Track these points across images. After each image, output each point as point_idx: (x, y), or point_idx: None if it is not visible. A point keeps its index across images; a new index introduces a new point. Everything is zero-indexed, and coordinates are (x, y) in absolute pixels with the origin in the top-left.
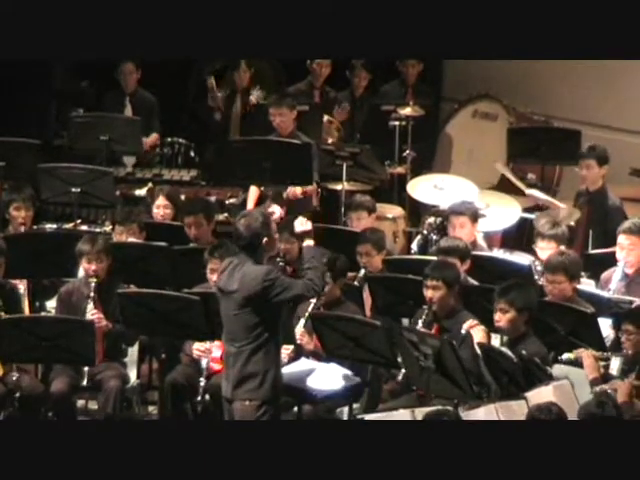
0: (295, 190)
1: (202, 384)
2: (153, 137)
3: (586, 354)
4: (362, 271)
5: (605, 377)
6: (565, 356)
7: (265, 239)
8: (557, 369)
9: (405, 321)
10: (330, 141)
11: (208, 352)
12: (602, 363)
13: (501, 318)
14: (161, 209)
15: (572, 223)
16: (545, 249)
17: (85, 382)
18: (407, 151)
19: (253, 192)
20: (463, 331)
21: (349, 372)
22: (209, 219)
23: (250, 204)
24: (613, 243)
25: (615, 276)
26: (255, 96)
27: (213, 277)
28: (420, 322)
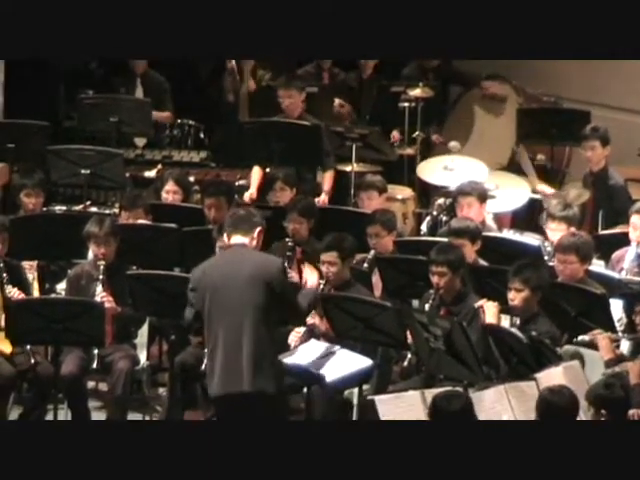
0: (324, 200)
1: None
2: (165, 114)
3: (601, 336)
4: (372, 252)
5: (620, 358)
6: (580, 338)
7: (259, 229)
8: (568, 349)
9: (415, 302)
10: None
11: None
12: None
13: (515, 297)
14: (170, 194)
15: (581, 204)
16: (556, 230)
17: (95, 365)
18: (417, 132)
19: (256, 172)
20: (476, 306)
21: (358, 355)
22: (229, 202)
23: (254, 184)
24: (618, 223)
25: (628, 256)
26: (261, 77)
27: None
28: (427, 306)
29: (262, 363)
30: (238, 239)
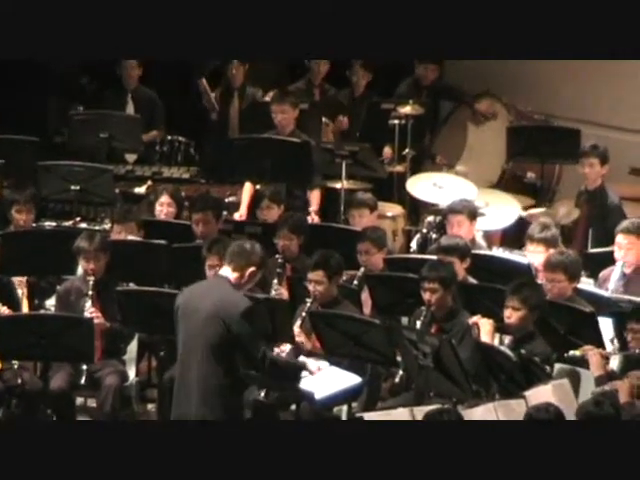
0: (314, 218)
1: None
2: (152, 134)
3: (592, 352)
4: (361, 270)
5: (610, 375)
6: (571, 353)
7: (252, 269)
8: (564, 367)
9: (405, 320)
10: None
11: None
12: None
13: (512, 315)
14: (164, 207)
15: (570, 222)
16: (534, 252)
17: (83, 381)
18: (407, 149)
19: (247, 189)
20: (470, 322)
21: (347, 373)
22: (217, 217)
23: (244, 201)
24: (612, 242)
25: (613, 275)
26: (250, 92)
27: (211, 273)
28: (418, 323)
29: (208, 395)
30: (225, 271)
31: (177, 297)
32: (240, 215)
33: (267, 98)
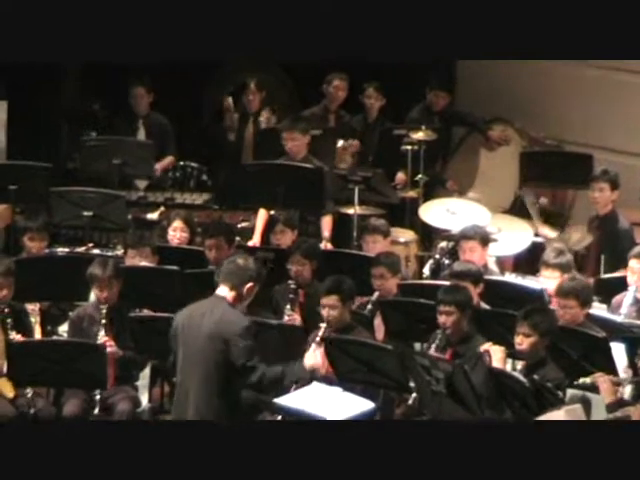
0: (326, 244)
1: None
2: (167, 160)
3: (603, 379)
4: (375, 295)
5: (621, 402)
6: (582, 380)
7: (249, 285)
8: (576, 393)
9: (417, 345)
10: (343, 166)
11: None
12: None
13: (523, 341)
14: (178, 232)
15: (584, 248)
16: (550, 278)
17: (97, 410)
18: (419, 175)
19: (261, 215)
20: (481, 349)
21: (361, 398)
22: (230, 243)
23: (258, 228)
24: (624, 267)
25: (626, 300)
26: (265, 118)
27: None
28: (433, 346)
29: (206, 416)
30: (221, 290)
31: (175, 317)
32: (254, 243)
33: (261, 119)
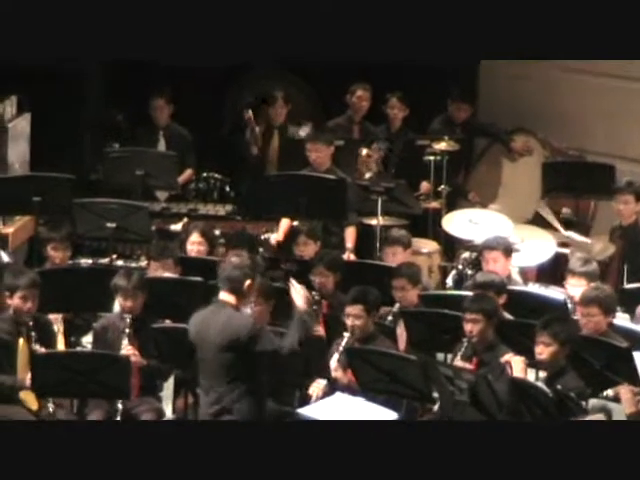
0: (349, 255)
1: None
2: (186, 174)
3: (624, 389)
4: (396, 306)
5: None
6: (605, 394)
7: (248, 283)
8: (596, 403)
9: (440, 355)
10: (367, 175)
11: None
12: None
13: (543, 351)
14: (195, 245)
15: (606, 258)
16: (576, 286)
17: (119, 418)
18: (442, 186)
19: (284, 223)
20: (503, 360)
21: (383, 408)
22: (252, 253)
23: (280, 235)
24: None
25: None
26: (304, 131)
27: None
28: (459, 355)
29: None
30: (222, 295)
31: (189, 324)
32: (276, 239)
33: (302, 133)
